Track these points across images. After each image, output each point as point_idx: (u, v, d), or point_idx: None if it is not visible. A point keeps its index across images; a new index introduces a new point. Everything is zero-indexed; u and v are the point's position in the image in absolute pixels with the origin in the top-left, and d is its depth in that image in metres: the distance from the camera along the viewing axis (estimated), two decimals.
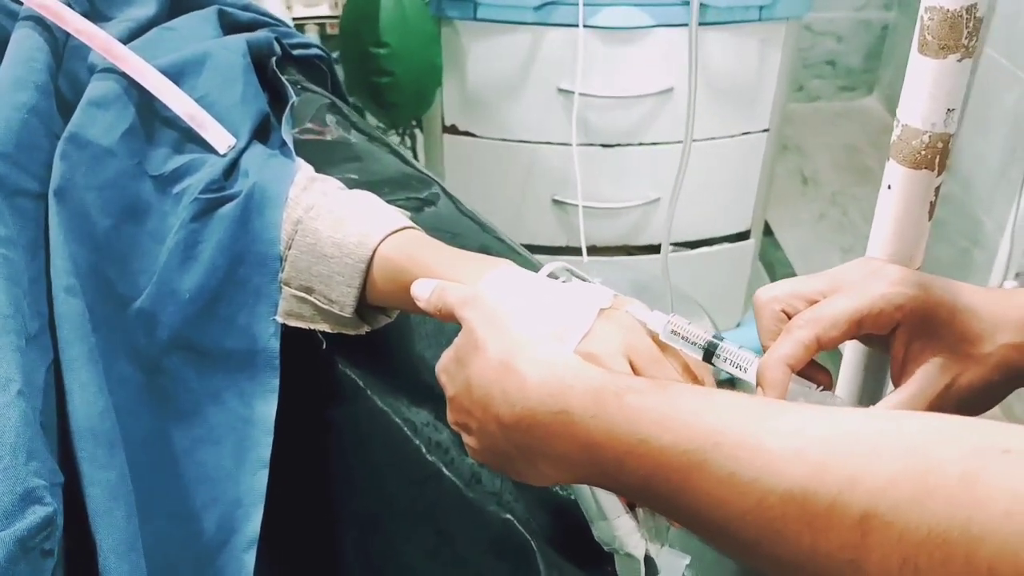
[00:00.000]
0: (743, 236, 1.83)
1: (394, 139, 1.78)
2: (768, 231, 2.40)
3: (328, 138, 0.87)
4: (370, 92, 1.51)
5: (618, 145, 1.64)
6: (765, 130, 1.70)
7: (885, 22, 2.83)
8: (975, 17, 0.50)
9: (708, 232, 1.79)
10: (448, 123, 1.65)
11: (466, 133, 1.66)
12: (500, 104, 1.62)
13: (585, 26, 1.49)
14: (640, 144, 1.65)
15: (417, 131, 1.79)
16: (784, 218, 2.48)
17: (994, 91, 1.90)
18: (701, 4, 1.47)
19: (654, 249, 1.75)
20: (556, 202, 1.70)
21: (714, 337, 0.53)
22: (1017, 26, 1.84)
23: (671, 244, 1.77)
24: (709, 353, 0.53)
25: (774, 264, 2.33)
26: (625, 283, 1.51)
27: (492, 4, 1.49)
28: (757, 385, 0.51)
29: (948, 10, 0.50)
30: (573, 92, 1.55)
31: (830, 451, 0.35)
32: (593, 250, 1.72)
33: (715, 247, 1.81)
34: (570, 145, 1.58)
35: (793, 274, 2.29)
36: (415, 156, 1.82)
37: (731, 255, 1.84)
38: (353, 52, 1.48)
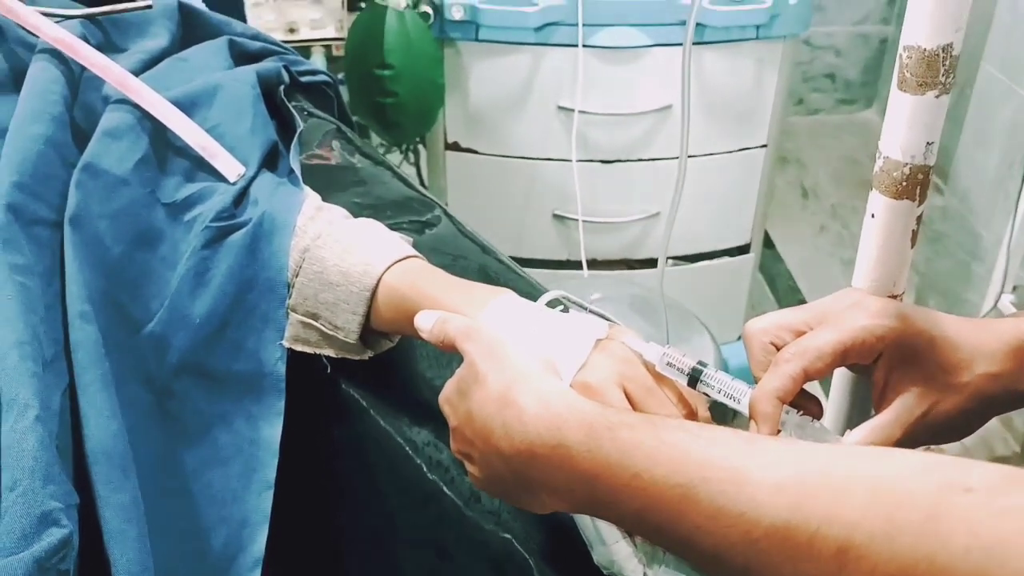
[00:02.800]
0: (743, 250, 1.85)
1: (398, 156, 1.81)
2: (769, 244, 2.42)
3: (333, 163, 0.89)
4: (374, 112, 1.53)
5: (617, 161, 1.67)
6: (763, 145, 1.72)
7: (883, 36, 2.85)
8: (951, 56, 0.52)
9: (708, 246, 1.81)
10: (451, 140, 1.68)
11: (468, 150, 1.68)
12: (501, 122, 1.64)
13: (584, 46, 1.51)
14: (639, 160, 1.67)
15: (421, 148, 1.81)
16: (785, 231, 2.50)
17: (991, 105, 1.92)
18: (698, 24, 1.50)
19: (654, 263, 1.77)
20: (557, 217, 1.72)
21: (707, 368, 0.55)
22: (1013, 41, 1.86)
23: (671, 258, 1.80)
24: (704, 384, 0.55)
25: (775, 277, 2.35)
26: (625, 298, 1.53)
27: (493, 26, 1.51)
28: (750, 418, 0.53)
29: (925, 49, 0.52)
30: (573, 110, 1.57)
31: (809, 487, 0.38)
32: (593, 264, 1.74)
33: (715, 261, 1.83)
34: (570, 161, 1.60)
35: (795, 287, 2.32)
36: (419, 173, 1.84)
37: (731, 269, 1.86)
38: (358, 74, 1.51)
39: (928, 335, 0.53)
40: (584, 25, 1.49)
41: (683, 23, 1.52)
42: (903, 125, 0.55)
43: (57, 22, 0.73)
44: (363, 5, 1.51)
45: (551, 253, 1.77)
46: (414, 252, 0.66)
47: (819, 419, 0.55)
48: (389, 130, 1.58)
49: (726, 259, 1.84)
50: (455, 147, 1.68)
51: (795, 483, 0.39)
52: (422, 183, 1.83)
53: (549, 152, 1.65)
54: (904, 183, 0.56)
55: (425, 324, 0.58)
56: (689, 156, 1.62)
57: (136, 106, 0.69)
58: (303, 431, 0.66)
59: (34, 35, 0.71)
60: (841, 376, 0.64)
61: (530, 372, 0.49)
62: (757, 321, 0.56)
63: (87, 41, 0.72)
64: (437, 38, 1.54)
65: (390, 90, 1.47)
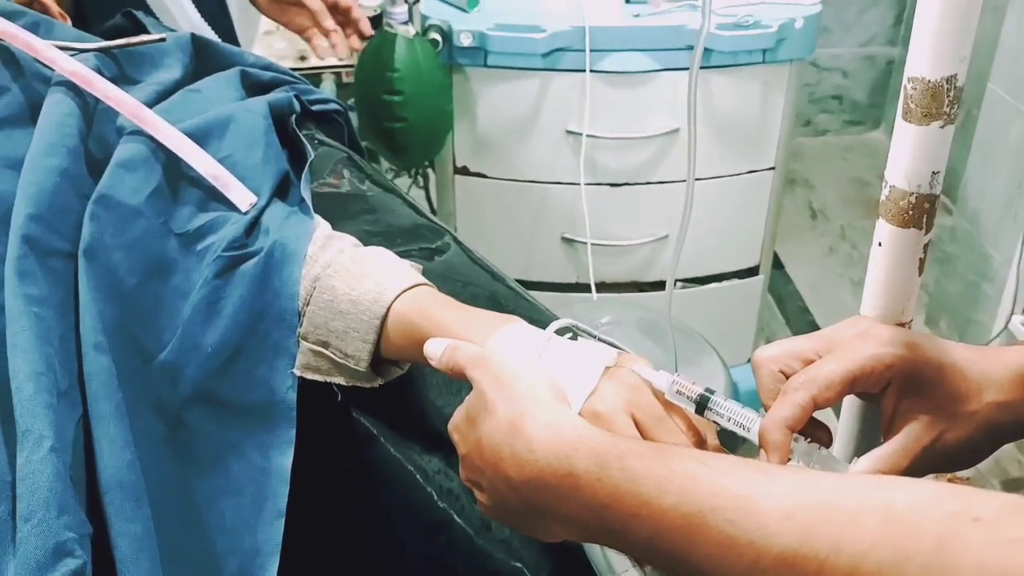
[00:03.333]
0: (752, 271, 1.85)
1: (408, 180, 1.82)
2: (779, 265, 2.42)
3: (343, 191, 0.90)
4: (383, 137, 1.54)
5: (626, 184, 1.68)
6: (771, 168, 1.73)
7: (890, 57, 2.86)
8: (955, 87, 0.53)
9: (717, 268, 1.82)
10: (460, 165, 1.69)
11: (477, 174, 1.70)
12: (510, 146, 1.65)
13: (592, 71, 1.53)
14: (648, 183, 1.68)
15: (430, 172, 1.82)
16: (794, 252, 2.50)
17: (999, 126, 1.92)
18: (705, 49, 1.51)
19: (663, 285, 1.76)
20: (565, 240, 1.73)
21: (715, 395, 0.55)
22: (1020, 62, 1.87)
23: (680, 280, 1.80)
24: (713, 411, 0.55)
25: (784, 298, 2.35)
26: (634, 321, 1.53)
27: (502, 52, 1.53)
28: (760, 446, 0.53)
29: (929, 81, 0.53)
30: (581, 134, 1.58)
31: (818, 516, 0.38)
32: (602, 287, 1.74)
33: (724, 283, 1.84)
34: (578, 184, 1.61)
35: (805, 308, 2.31)
36: (428, 197, 1.85)
37: (740, 291, 1.86)
38: (367, 99, 1.52)
39: (936, 363, 0.53)
40: (591, 51, 1.51)
41: (689, 48, 1.53)
42: (908, 155, 0.55)
43: (72, 55, 0.74)
44: (373, 32, 1.52)
45: (560, 276, 1.78)
46: (424, 280, 0.66)
47: (828, 447, 0.56)
48: (397, 155, 1.59)
49: (735, 281, 1.84)
50: (464, 171, 1.70)
51: (804, 512, 0.39)
52: (431, 207, 1.84)
53: (557, 176, 1.66)
54: (910, 212, 0.56)
55: (434, 352, 0.58)
56: (697, 179, 1.63)
57: (150, 137, 0.70)
58: (314, 459, 0.66)
59: (50, 68, 0.72)
60: (851, 403, 0.64)
61: (539, 400, 0.50)
62: (766, 349, 0.57)
63: (102, 74, 0.74)
64: (446, 64, 1.56)
65: (399, 115, 1.48)
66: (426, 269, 0.70)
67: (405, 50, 1.45)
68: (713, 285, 1.83)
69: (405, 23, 1.49)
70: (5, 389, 0.56)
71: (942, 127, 0.54)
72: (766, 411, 0.55)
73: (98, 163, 0.69)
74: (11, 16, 0.75)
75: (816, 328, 2.12)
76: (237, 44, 1.39)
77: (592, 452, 0.46)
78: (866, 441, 0.65)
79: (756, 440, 0.54)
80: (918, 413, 0.52)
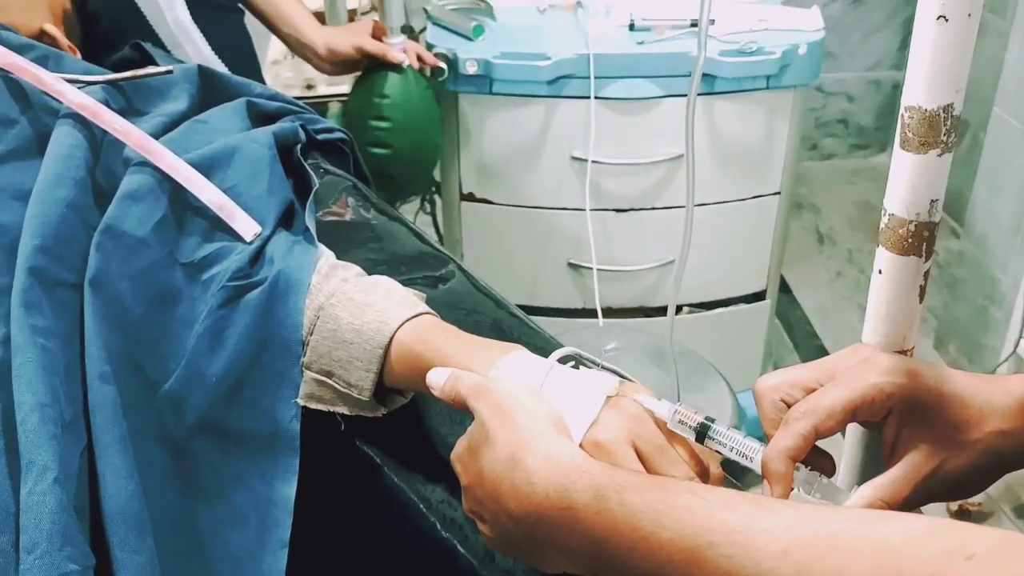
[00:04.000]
0: (759, 296, 1.85)
1: (414, 206, 1.83)
2: (786, 289, 2.42)
3: (348, 219, 0.91)
4: (368, 164, 1.52)
5: (631, 210, 1.68)
6: (777, 192, 1.73)
7: (896, 81, 2.87)
8: (952, 116, 0.53)
9: (723, 293, 1.82)
10: (466, 191, 1.70)
11: (483, 200, 1.70)
12: (516, 172, 1.66)
13: (596, 98, 1.54)
14: (653, 208, 1.68)
15: (436, 198, 1.83)
16: (801, 276, 2.50)
17: (1005, 150, 1.92)
18: (710, 76, 1.52)
19: None
20: (571, 265, 1.73)
21: (715, 424, 0.55)
22: None
23: (688, 305, 1.80)
24: (715, 440, 0.55)
25: (792, 323, 2.34)
26: (640, 347, 1.53)
27: (507, 79, 1.54)
28: (763, 477, 0.53)
29: (926, 110, 0.53)
30: (586, 160, 1.59)
31: (814, 552, 0.39)
32: (608, 312, 1.74)
33: (731, 308, 1.83)
34: (584, 210, 1.62)
35: (812, 332, 2.31)
36: (435, 223, 1.86)
37: (747, 315, 1.86)
38: (355, 125, 1.48)
39: (937, 392, 0.53)
40: (596, 78, 1.52)
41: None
42: (907, 183, 0.55)
43: (80, 88, 0.75)
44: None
45: (566, 301, 1.78)
46: (427, 309, 0.67)
47: (831, 475, 0.55)
48: (381, 184, 1.56)
49: (742, 306, 1.84)
50: (470, 197, 1.70)
51: (801, 547, 0.39)
52: (438, 233, 1.85)
53: (563, 201, 1.67)
54: (910, 240, 0.56)
55: (437, 382, 0.59)
56: (703, 204, 1.64)
57: (156, 168, 0.71)
58: (318, 489, 0.66)
59: (58, 101, 0.73)
60: (854, 431, 0.64)
61: (539, 432, 0.50)
62: (767, 378, 0.57)
63: (109, 106, 0.75)
64: (451, 91, 1.57)
65: (385, 142, 1.45)
66: (430, 297, 0.71)
67: (398, 79, 1.45)
68: (720, 310, 1.83)
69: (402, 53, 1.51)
70: (10, 420, 0.57)
71: (940, 155, 0.54)
72: (769, 440, 0.55)
73: (105, 194, 0.70)
74: (21, 49, 0.77)
75: (824, 352, 2.12)
76: (258, 68, 1.42)
77: (591, 485, 0.46)
78: (870, 468, 0.65)
79: (759, 470, 0.54)
80: (919, 441, 0.52)
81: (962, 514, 1.76)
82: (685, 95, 1.54)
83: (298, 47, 1.44)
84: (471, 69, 1.53)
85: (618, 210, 1.68)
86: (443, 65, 1.51)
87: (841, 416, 0.52)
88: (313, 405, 0.65)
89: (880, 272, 0.59)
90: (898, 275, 0.58)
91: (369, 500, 0.69)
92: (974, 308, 2.03)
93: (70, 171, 0.69)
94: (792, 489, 0.53)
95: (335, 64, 1.44)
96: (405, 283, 0.70)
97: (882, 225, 0.58)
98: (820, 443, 0.55)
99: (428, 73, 1.51)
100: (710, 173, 1.63)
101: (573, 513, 0.46)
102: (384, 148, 1.45)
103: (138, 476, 0.59)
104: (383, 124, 1.44)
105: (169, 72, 0.83)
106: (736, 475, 0.66)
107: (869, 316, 0.61)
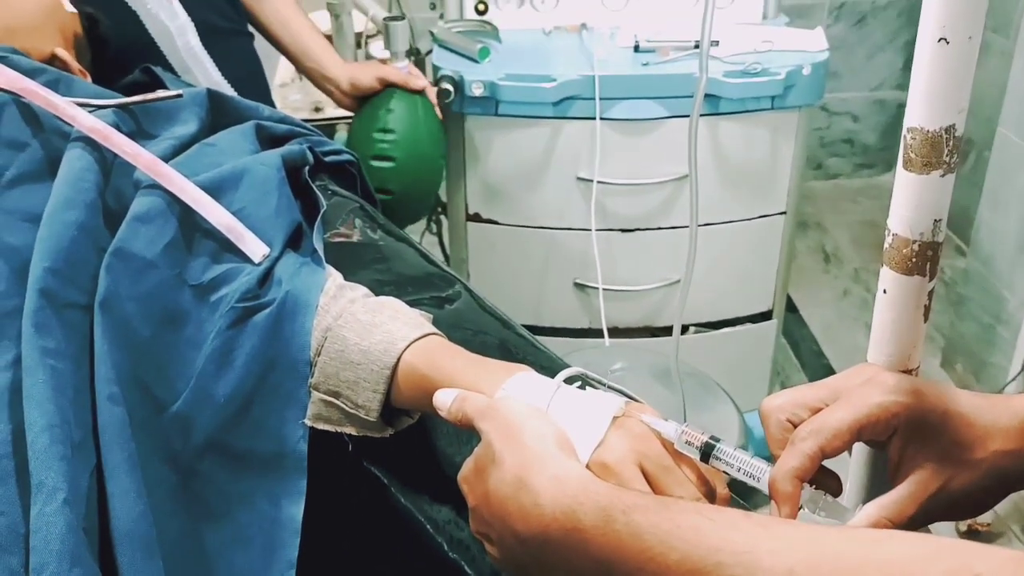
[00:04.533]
0: (766, 316, 1.85)
1: (420, 227, 1.84)
2: (792, 308, 2.42)
3: (355, 240, 0.92)
4: (369, 176, 1.50)
5: (636, 229, 1.69)
6: (782, 212, 1.73)
7: (900, 101, 2.88)
8: (954, 136, 0.53)
9: (730, 312, 1.82)
10: (472, 211, 1.71)
11: (489, 221, 1.71)
12: (521, 193, 1.67)
13: (602, 118, 1.55)
14: (658, 228, 1.69)
15: (443, 219, 1.84)
16: (808, 295, 2.50)
17: (1010, 170, 1.93)
18: (715, 96, 1.53)
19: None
20: (577, 285, 1.74)
21: (720, 443, 0.55)
22: None
23: (694, 325, 1.80)
24: (721, 460, 0.55)
25: (799, 342, 2.34)
26: (646, 367, 1.53)
27: (513, 101, 1.55)
28: (770, 497, 0.53)
29: (928, 131, 0.53)
30: (592, 180, 1.60)
31: (819, 572, 0.39)
32: (614, 332, 1.75)
33: (738, 327, 1.83)
34: (589, 230, 1.62)
35: (819, 351, 2.30)
36: (441, 243, 1.87)
37: (754, 335, 1.85)
38: (358, 140, 1.46)
39: (942, 411, 0.53)
40: (601, 99, 1.53)
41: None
42: (910, 204, 0.56)
43: (91, 111, 0.76)
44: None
45: (572, 321, 1.78)
46: (434, 329, 0.67)
47: (837, 495, 0.55)
48: (384, 202, 1.53)
49: (749, 325, 1.84)
50: (476, 218, 1.71)
51: (807, 568, 0.39)
52: (445, 254, 1.85)
53: (569, 222, 1.68)
54: (914, 259, 0.57)
55: (443, 403, 0.59)
56: (708, 224, 1.65)
57: (166, 191, 0.71)
58: (325, 509, 0.66)
59: (69, 124, 0.74)
60: (860, 450, 0.64)
61: (545, 453, 0.50)
62: (773, 399, 0.57)
63: (119, 129, 0.75)
64: (458, 113, 1.58)
65: (388, 155, 1.42)
66: (437, 318, 0.71)
67: (404, 94, 1.45)
68: (727, 330, 1.82)
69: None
70: (20, 441, 0.57)
71: (942, 176, 0.54)
72: (775, 460, 0.55)
73: (115, 216, 0.71)
74: (32, 73, 0.78)
75: (831, 372, 2.11)
76: (268, 91, 1.43)
77: (597, 506, 0.46)
78: (875, 488, 0.65)
79: (766, 491, 0.54)
80: (924, 460, 0.52)
81: (971, 534, 1.75)
82: (688, 115, 1.56)
83: (320, 81, 1.47)
84: (477, 91, 1.54)
85: (623, 230, 1.68)
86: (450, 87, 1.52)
87: (847, 436, 0.52)
88: (320, 426, 0.66)
89: (884, 292, 0.59)
90: (902, 295, 0.58)
91: (376, 520, 0.69)
92: (981, 327, 2.02)
93: (81, 194, 0.69)
94: (800, 509, 0.53)
95: (356, 98, 1.46)
96: (412, 303, 0.70)
97: (886, 245, 0.58)
98: (826, 462, 0.55)
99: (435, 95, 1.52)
100: (716, 193, 1.64)
101: (580, 534, 0.46)
102: (387, 161, 1.42)
103: (146, 497, 0.60)
104: (388, 136, 1.42)
105: (179, 96, 0.84)
106: (743, 496, 0.66)
107: (874, 336, 0.61)
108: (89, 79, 0.96)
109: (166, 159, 0.75)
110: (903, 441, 0.53)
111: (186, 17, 1.21)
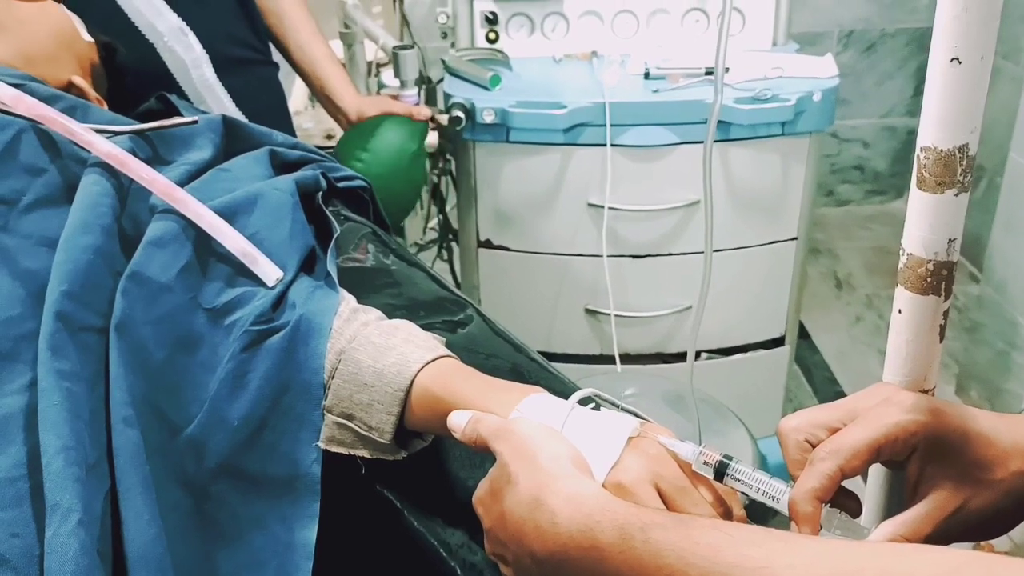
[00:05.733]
0: (778, 342, 1.84)
1: (432, 253, 1.84)
2: (805, 335, 2.41)
3: (368, 264, 0.92)
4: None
5: (648, 256, 1.69)
6: (794, 238, 1.73)
7: (911, 127, 2.89)
8: (968, 156, 0.54)
9: (741, 339, 1.81)
10: (483, 238, 1.71)
11: (500, 247, 1.71)
12: (532, 219, 1.68)
13: (612, 145, 1.55)
14: (669, 254, 1.69)
15: (454, 245, 1.84)
16: (820, 322, 2.49)
17: (1022, 196, 1.92)
18: (726, 123, 1.54)
19: (687, 356, 1.77)
20: (589, 311, 1.74)
21: (734, 462, 0.55)
22: None
23: (706, 351, 1.79)
24: (739, 480, 0.55)
25: (812, 368, 2.33)
26: (659, 393, 1.53)
27: (523, 128, 1.56)
28: (791, 518, 0.53)
29: (942, 150, 0.53)
30: (602, 206, 1.60)
31: None
32: (626, 358, 1.74)
33: (750, 354, 1.83)
34: (601, 256, 1.63)
35: (832, 378, 2.29)
36: (452, 270, 1.87)
37: (766, 361, 1.85)
38: (342, 149, 1.49)
39: (961, 430, 0.52)
40: (612, 125, 1.54)
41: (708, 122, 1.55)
42: (924, 223, 0.55)
43: (108, 138, 0.77)
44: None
45: (583, 348, 1.78)
46: (447, 352, 0.67)
47: (857, 515, 0.55)
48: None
49: (761, 352, 1.83)
50: (487, 244, 1.72)
51: None
52: (456, 280, 1.86)
53: (580, 248, 1.68)
54: (929, 279, 0.57)
55: (458, 424, 0.59)
56: (719, 250, 1.65)
57: (181, 215, 0.72)
58: (338, 533, 0.66)
59: (86, 150, 0.75)
60: (877, 469, 0.64)
61: (561, 473, 0.50)
62: (791, 419, 0.56)
63: (136, 155, 0.76)
64: (469, 139, 1.59)
65: (359, 156, 1.43)
66: (449, 341, 0.71)
67: (393, 123, 1.46)
68: (739, 356, 1.82)
69: (415, 105, 1.55)
70: (36, 463, 0.57)
71: (956, 195, 0.54)
72: (794, 481, 0.55)
73: (131, 241, 0.71)
74: (50, 100, 0.79)
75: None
76: (289, 120, 1.46)
77: (615, 524, 0.46)
78: (893, 508, 0.64)
79: (786, 511, 0.54)
80: (942, 480, 0.52)
81: None
82: (700, 142, 1.56)
83: (333, 110, 1.50)
84: (488, 118, 1.55)
85: (635, 256, 1.68)
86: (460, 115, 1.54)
87: (866, 455, 0.52)
88: (334, 448, 0.66)
89: (900, 312, 0.59)
90: (918, 314, 0.58)
91: (389, 544, 0.68)
92: (995, 353, 2.01)
93: (97, 218, 0.70)
94: (820, 529, 0.53)
95: None
96: (424, 328, 0.71)
97: (901, 265, 0.58)
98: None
99: (445, 122, 1.54)
100: (726, 219, 1.64)
101: (598, 552, 0.46)
102: (359, 161, 1.43)
103: (160, 519, 0.60)
104: (362, 156, 1.43)
105: (194, 122, 0.85)
106: (758, 520, 0.66)
107: (889, 356, 0.60)
108: (105, 107, 0.97)
109: (181, 184, 0.76)
110: (921, 461, 0.53)
111: (201, 50, 1.23)
